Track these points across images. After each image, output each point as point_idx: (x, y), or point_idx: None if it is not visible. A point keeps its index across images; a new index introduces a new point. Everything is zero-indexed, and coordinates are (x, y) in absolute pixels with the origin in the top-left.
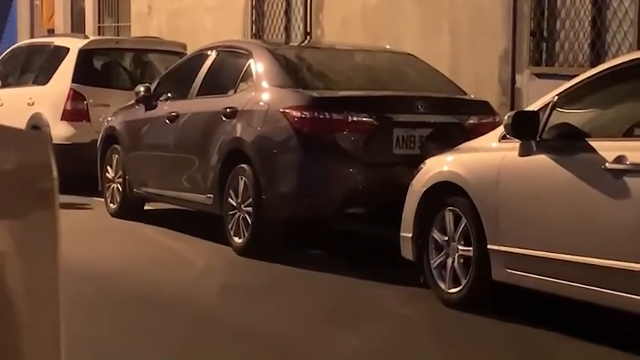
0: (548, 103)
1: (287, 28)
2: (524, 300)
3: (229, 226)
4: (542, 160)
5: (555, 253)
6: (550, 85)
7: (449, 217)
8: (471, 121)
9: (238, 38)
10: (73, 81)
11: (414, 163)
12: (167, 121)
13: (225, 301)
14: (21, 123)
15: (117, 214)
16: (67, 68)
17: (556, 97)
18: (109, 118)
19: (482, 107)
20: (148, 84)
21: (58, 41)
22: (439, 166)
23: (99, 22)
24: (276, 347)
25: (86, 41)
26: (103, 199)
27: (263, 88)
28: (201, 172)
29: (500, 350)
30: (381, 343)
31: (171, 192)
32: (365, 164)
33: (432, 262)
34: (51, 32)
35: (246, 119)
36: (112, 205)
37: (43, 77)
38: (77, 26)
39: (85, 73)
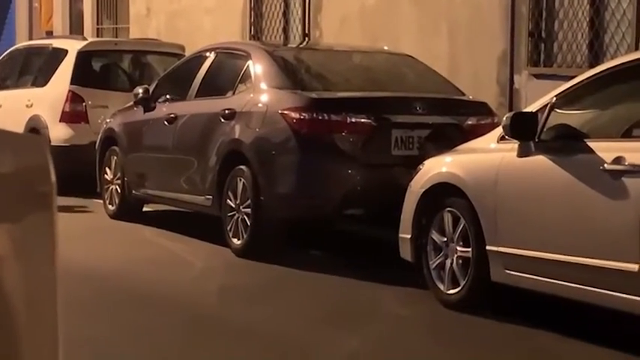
0: (547, 104)
1: (285, 30)
2: (523, 301)
3: (228, 228)
4: (540, 161)
5: (554, 254)
6: (548, 86)
7: (447, 218)
8: (470, 122)
9: (237, 40)
10: (72, 83)
11: (412, 164)
12: (166, 122)
13: (224, 302)
14: (19, 125)
15: (116, 216)
16: (65, 70)
17: (554, 98)
18: (108, 120)
19: (480, 108)
20: (146, 85)
21: (56, 43)
22: (438, 167)
23: (97, 24)
24: (275, 348)
25: (84, 43)
26: (101, 201)
27: (261, 90)
28: (200, 173)
29: (499, 351)
30: (380, 343)
31: (170, 193)
32: (363, 165)
33: (430, 263)
34: (49, 34)
35: (244, 121)
36: (110, 206)
37: (41, 79)
38: (76, 28)
39: (83, 74)
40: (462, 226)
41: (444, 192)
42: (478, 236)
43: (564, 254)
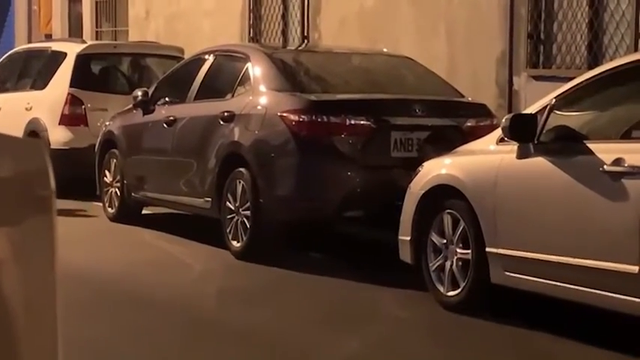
0: (546, 106)
1: (284, 32)
2: (523, 302)
3: (227, 230)
4: (540, 162)
5: (554, 256)
6: (547, 88)
7: (447, 220)
8: (469, 124)
9: (236, 42)
10: (71, 86)
11: (411, 166)
12: (165, 125)
13: (223, 304)
14: (19, 128)
15: (115, 219)
16: (64, 73)
17: (554, 100)
18: (107, 123)
19: (479, 110)
20: (145, 88)
21: (55, 46)
22: (437, 169)
23: (96, 27)
24: (275, 350)
25: (84, 46)
26: (101, 204)
27: (261, 92)
28: (199, 176)
29: (499, 353)
30: (380, 345)
31: (170, 196)
32: (363, 167)
33: (430, 265)
34: (48, 37)
35: (243, 123)
36: (110, 209)
37: (40, 82)
38: (75, 31)
39: (82, 77)
40: (461, 227)
41: (443, 194)
42: (478, 238)
43: (564, 256)
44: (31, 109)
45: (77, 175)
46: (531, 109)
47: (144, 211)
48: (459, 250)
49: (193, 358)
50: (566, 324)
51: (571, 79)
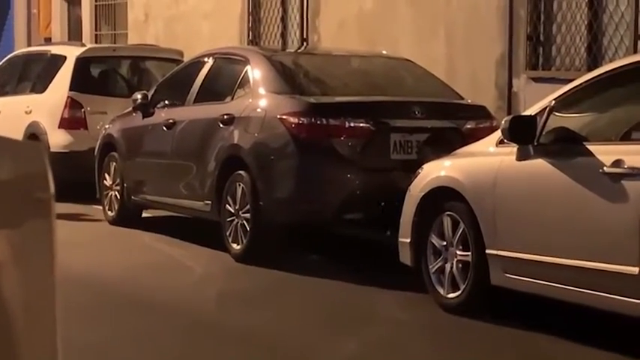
0: (546, 108)
1: (283, 35)
2: (523, 304)
3: (227, 233)
4: (539, 164)
5: (554, 258)
6: (547, 89)
7: (447, 222)
8: (468, 126)
9: (235, 45)
10: (71, 89)
11: (411, 168)
12: (164, 128)
13: (223, 307)
14: (18, 131)
15: (115, 222)
16: (64, 76)
17: (553, 102)
18: (107, 126)
19: (479, 112)
20: (145, 91)
21: (55, 49)
22: (437, 171)
23: (96, 30)
24: (275, 352)
25: (83, 49)
26: (101, 207)
27: (260, 95)
28: (199, 178)
29: (499, 355)
30: (380, 348)
31: (169, 199)
32: (362, 169)
33: (430, 267)
34: (48, 41)
35: (243, 126)
36: (110, 212)
37: (40, 85)
38: (74, 34)
39: (82, 81)
40: (461, 229)
41: (443, 196)
42: (477, 240)
43: (564, 257)
44: (30, 112)
45: (77, 178)
46: (531, 111)
47: (144, 214)
48: (458, 252)
49: (193, 359)
50: (566, 326)
51: (570, 80)
